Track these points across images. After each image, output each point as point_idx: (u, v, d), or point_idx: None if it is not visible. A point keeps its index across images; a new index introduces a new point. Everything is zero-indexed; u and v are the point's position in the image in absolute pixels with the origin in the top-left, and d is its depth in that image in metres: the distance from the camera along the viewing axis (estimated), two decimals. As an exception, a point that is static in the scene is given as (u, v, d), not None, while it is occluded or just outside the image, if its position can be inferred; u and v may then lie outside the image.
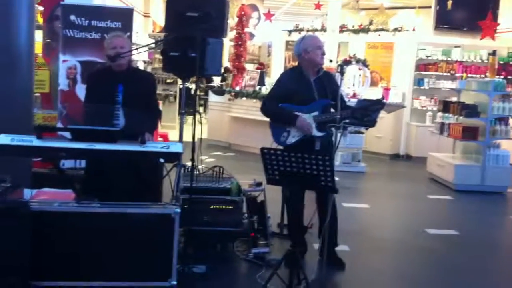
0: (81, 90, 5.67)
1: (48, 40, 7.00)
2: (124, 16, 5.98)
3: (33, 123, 5.07)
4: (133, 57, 5.52)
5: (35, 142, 3.31)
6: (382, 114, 4.46)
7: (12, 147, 3.26)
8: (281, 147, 4.13)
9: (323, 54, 4.38)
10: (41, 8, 7.39)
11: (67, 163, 5.19)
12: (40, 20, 7.79)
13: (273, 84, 4.69)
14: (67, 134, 3.65)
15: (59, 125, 5.76)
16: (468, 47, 10.48)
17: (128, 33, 5.53)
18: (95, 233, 3.38)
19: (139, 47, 5.20)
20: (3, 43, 4.49)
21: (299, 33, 11.86)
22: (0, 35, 4.47)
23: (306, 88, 4.36)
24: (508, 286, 4.45)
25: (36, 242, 3.22)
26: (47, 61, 6.68)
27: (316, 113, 4.27)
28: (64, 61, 5.85)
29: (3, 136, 3.26)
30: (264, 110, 4.50)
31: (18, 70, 4.62)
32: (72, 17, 5.81)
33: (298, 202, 4.40)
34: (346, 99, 5.45)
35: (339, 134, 4.01)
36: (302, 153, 3.39)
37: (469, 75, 10.16)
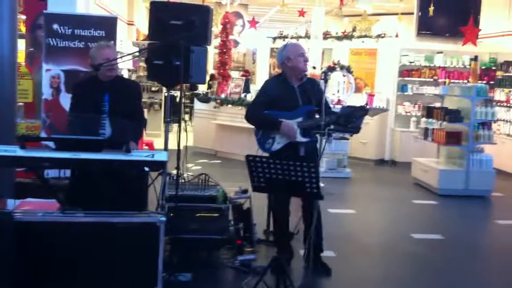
0: (65, 99, 5.63)
1: (31, 49, 6.97)
2: (108, 25, 5.97)
3: (16, 133, 5.03)
4: (118, 66, 5.51)
5: (18, 152, 3.28)
6: (367, 119, 4.50)
7: (-5, 157, 3.23)
8: (266, 154, 4.14)
9: (306, 61, 4.42)
10: (23, 16, 7.37)
11: (51, 173, 5.15)
12: (22, 29, 7.75)
13: (258, 91, 4.71)
14: (51, 144, 3.63)
15: (43, 134, 5.72)
16: (450, 52, 10.60)
17: (112, 42, 5.51)
18: (79, 243, 3.36)
19: (124, 56, 5.20)
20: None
21: (284, 40, 11.90)
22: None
23: (290, 94, 4.38)
24: (492, 289, 4.50)
25: (20, 253, 3.18)
26: (30, 70, 6.65)
27: (300, 119, 4.30)
28: (47, 70, 5.82)
29: (-15, 146, 3.23)
30: (249, 117, 4.51)
31: (1, 79, 4.59)
32: (55, 26, 5.78)
33: (284, 208, 4.41)
34: (331, 105, 5.49)
35: (324, 141, 4.03)
36: (287, 160, 3.40)
37: (452, 80, 10.28)
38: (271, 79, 4.98)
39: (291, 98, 4.36)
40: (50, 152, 3.44)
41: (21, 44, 6.48)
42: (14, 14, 4.80)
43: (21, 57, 6.51)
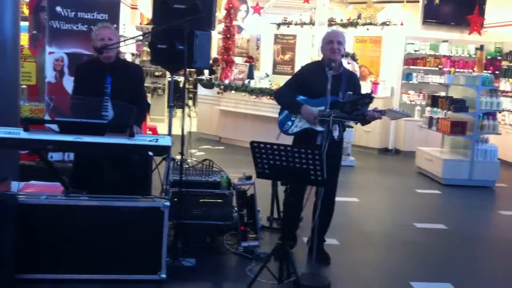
0: (68, 82, 5.61)
1: (34, 32, 6.91)
2: (111, 8, 5.93)
3: (20, 116, 5.00)
4: (121, 50, 5.46)
5: (22, 134, 3.26)
6: (385, 119, 4.47)
7: (-1, 139, 3.21)
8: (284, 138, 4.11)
9: (334, 49, 4.26)
10: (27, -1, 7.30)
11: (55, 156, 5.13)
12: (26, 11, 7.69)
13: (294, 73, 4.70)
14: (55, 127, 3.60)
15: (47, 117, 5.69)
16: (455, 41, 10.52)
17: (115, 25, 5.47)
18: (83, 226, 3.35)
19: (127, 39, 5.15)
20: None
21: (288, 26, 11.83)
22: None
23: (321, 82, 4.30)
24: (495, 279, 4.48)
25: (23, 235, 3.18)
26: (33, 53, 6.60)
27: (322, 108, 4.23)
28: (50, 53, 5.78)
29: (-11, 128, 3.21)
30: (277, 96, 4.58)
31: (4, 61, 4.56)
32: (58, 9, 5.74)
33: (298, 199, 4.35)
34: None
35: (330, 128, 4.00)
36: (306, 148, 3.36)
37: (457, 69, 10.20)
38: (308, 64, 4.95)
39: (321, 86, 4.28)
40: (53, 135, 3.42)
41: (24, 27, 6.44)
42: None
43: (24, 40, 6.47)
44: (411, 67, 10.41)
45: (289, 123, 4.38)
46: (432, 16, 10.55)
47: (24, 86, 6.06)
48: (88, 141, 3.34)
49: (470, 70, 10.16)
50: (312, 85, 4.30)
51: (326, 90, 4.22)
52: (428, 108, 8.80)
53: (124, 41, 4.52)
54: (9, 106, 4.62)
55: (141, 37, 6.70)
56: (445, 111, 8.01)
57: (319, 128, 4.24)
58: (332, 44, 4.29)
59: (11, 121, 4.37)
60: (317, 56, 9.78)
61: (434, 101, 8.30)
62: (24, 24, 5.97)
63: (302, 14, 13.42)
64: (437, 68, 10.40)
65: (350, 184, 7.60)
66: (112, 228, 3.39)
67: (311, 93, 4.31)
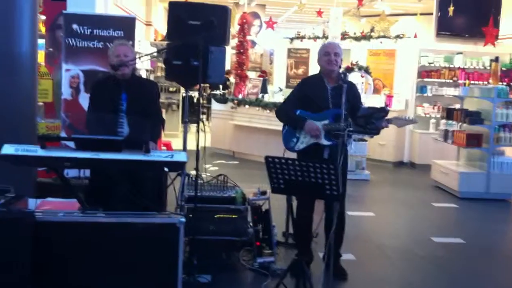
0: (84, 99, 5.66)
1: (50, 49, 7.01)
2: (126, 25, 5.99)
3: (37, 133, 5.05)
4: (136, 66, 5.51)
5: (39, 152, 3.28)
6: (392, 127, 4.44)
7: (17, 157, 3.23)
8: (289, 154, 4.09)
9: (331, 60, 4.30)
10: (43, 17, 7.42)
11: (71, 173, 5.17)
12: (42, 29, 7.81)
13: (293, 88, 4.70)
14: (71, 144, 3.63)
15: (63, 134, 5.74)
16: (470, 53, 10.47)
17: (131, 42, 5.53)
18: (99, 243, 3.35)
19: (142, 56, 5.20)
20: (6, 52, 4.50)
21: (301, 40, 11.87)
22: (2, 44, 4.46)
23: (322, 95, 4.32)
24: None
25: (40, 252, 3.19)
26: (49, 70, 6.69)
27: (326, 121, 4.24)
28: (67, 70, 5.85)
29: (7, 146, 3.24)
30: (278, 111, 4.55)
31: (21, 79, 4.62)
32: (75, 26, 5.81)
33: (307, 211, 4.36)
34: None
35: (347, 143, 3.99)
36: (307, 161, 3.36)
37: (472, 81, 10.14)
38: (307, 78, 4.95)
39: (322, 99, 4.30)
40: (70, 152, 3.44)
41: (41, 44, 6.53)
42: (35, 15, 4.82)
43: (40, 57, 6.56)
44: (425, 79, 10.37)
45: (294, 139, 4.35)
46: (446, 28, 10.52)
47: (40, 103, 6.13)
48: (105, 157, 3.35)
49: (485, 82, 10.09)
50: (312, 99, 4.31)
51: (327, 102, 4.23)
52: (443, 121, 8.74)
53: (139, 57, 4.55)
54: (27, 124, 4.67)
55: (156, 53, 6.76)
56: (460, 123, 7.95)
57: (326, 142, 4.23)
58: (329, 55, 4.32)
59: (29, 139, 4.41)
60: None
61: (449, 113, 8.24)
62: (40, 41, 6.05)
63: (315, 28, 13.49)
64: (451, 81, 10.34)
65: (365, 198, 7.56)
66: (128, 244, 3.38)
67: (312, 106, 4.30)
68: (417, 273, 4.73)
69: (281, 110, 4.55)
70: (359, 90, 9.66)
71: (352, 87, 4.43)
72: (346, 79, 4.14)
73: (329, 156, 4.25)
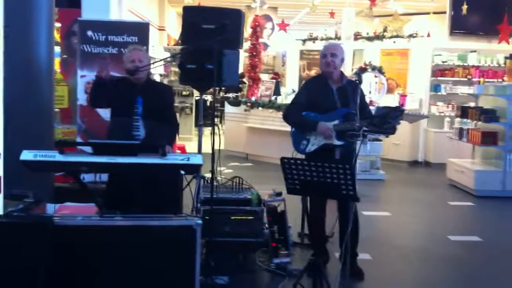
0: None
1: (65, 56, 7.10)
2: (140, 30, 6.04)
3: (54, 138, 5.12)
4: (151, 70, 5.57)
5: (57, 157, 3.33)
6: (403, 123, 4.43)
7: (35, 162, 3.29)
8: (301, 156, 4.12)
9: (328, 62, 4.31)
10: (58, 24, 7.50)
11: (87, 177, 5.23)
12: (57, 36, 7.90)
13: (297, 92, 4.70)
14: (87, 148, 3.68)
15: (78, 139, 5.81)
16: (484, 51, 10.40)
17: (145, 47, 5.58)
18: (117, 246, 3.39)
19: (157, 61, 5.25)
20: (24, 59, 4.56)
21: (313, 42, 11.88)
22: (21, 52, 4.53)
23: (328, 96, 4.34)
24: (534, 292, 4.38)
25: (59, 256, 3.24)
26: (65, 77, 6.78)
27: (336, 122, 4.26)
28: (82, 76, 5.92)
29: (26, 152, 3.29)
30: (285, 116, 4.54)
31: (39, 87, 4.69)
32: (89, 33, 5.89)
33: (319, 211, 4.39)
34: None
35: (358, 143, 3.99)
36: (321, 162, 3.37)
37: (486, 79, 10.08)
38: (310, 80, 4.95)
39: (328, 100, 4.32)
40: (88, 156, 3.49)
41: (56, 51, 6.61)
42: (51, 23, 4.89)
43: (56, 64, 6.64)
44: (439, 78, 10.32)
45: (304, 142, 4.36)
46: (459, 27, 10.46)
47: (57, 110, 6.21)
48: (122, 161, 3.40)
49: (500, 80, 10.01)
50: (318, 101, 4.32)
51: (334, 103, 4.25)
52: (458, 119, 8.70)
53: (154, 62, 4.60)
54: (44, 130, 4.74)
55: (170, 58, 6.81)
56: (475, 121, 7.91)
57: (338, 142, 4.24)
58: (325, 58, 4.33)
59: (46, 144, 4.48)
60: (343, 70, 9.81)
61: (464, 112, 8.20)
62: (56, 49, 6.13)
63: (327, 29, 13.48)
64: (465, 79, 10.28)
65: (381, 198, 7.55)
66: (146, 247, 3.42)
67: (317, 108, 4.31)
68: (434, 272, 4.71)
69: (289, 114, 4.51)
70: (373, 90, 9.75)
71: (357, 86, 4.43)
72: (360, 79, 4.16)
73: (341, 156, 4.27)
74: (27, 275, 3.12)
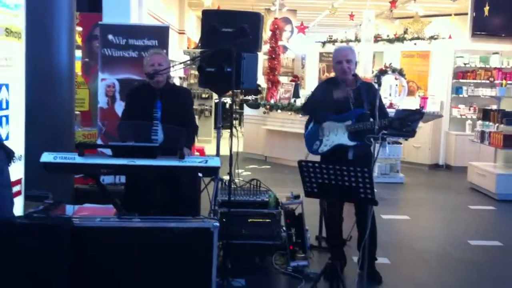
0: (119, 108, 5.78)
1: (86, 59, 7.20)
2: (160, 34, 6.09)
3: (74, 141, 5.19)
4: (170, 74, 5.61)
5: (77, 159, 3.38)
6: (420, 125, 4.40)
7: (56, 164, 3.33)
8: (316, 158, 4.11)
9: (343, 69, 4.28)
10: (79, 28, 7.61)
11: (106, 179, 5.29)
12: (78, 40, 8.02)
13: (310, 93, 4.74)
14: (107, 151, 3.73)
15: (99, 142, 5.88)
16: (507, 53, 10.25)
17: (165, 50, 5.63)
18: (135, 247, 3.42)
19: (176, 64, 5.30)
20: (46, 63, 4.64)
21: (333, 44, 11.84)
22: (42, 56, 4.60)
23: (341, 99, 4.34)
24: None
25: (78, 257, 3.28)
26: (86, 80, 6.87)
27: (349, 122, 4.25)
28: (103, 79, 5.99)
29: (46, 154, 3.34)
30: (304, 107, 4.79)
31: (60, 90, 4.76)
32: (110, 36, 5.95)
33: (337, 214, 4.37)
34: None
35: (377, 145, 3.97)
36: (338, 164, 3.36)
37: (509, 82, 9.93)
38: (323, 82, 4.95)
39: (342, 102, 4.32)
40: (107, 158, 3.53)
41: (77, 55, 6.70)
42: (72, 27, 4.96)
43: (77, 67, 6.74)
44: (460, 80, 10.20)
45: (318, 142, 4.36)
46: (481, 28, 10.32)
47: (77, 112, 6.30)
48: (141, 164, 3.43)
49: (523, 82, 9.87)
50: (333, 102, 4.30)
51: (349, 104, 4.24)
52: (479, 122, 8.59)
53: (173, 66, 4.64)
54: (65, 132, 4.80)
55: (189, 61, 6.86)
56: (497, 124, 7.80)
57: (350, 143, 4.23)
58: (341, 64, 4.29)
59: (67, 146, 4.54)
60: (363, 72, 9.77)
61: (485, 114, 8.10)
62: (77, 52, 6.22)
63: (347, 31, 13.43)
64: (487, 81, 10.15)
65: (400, 202, 7.48)
66: (163, 249, 3.44)
67: (332, 109, 4.31)
68: (454, 276, 4.66)
69: (308, 104, 4.68)
70: (393, 93, 9.67)
71: (371, 87, 4.41)
72: (379, 82, 4.15)
73: (354, 157, 4.25)
74: (46, 276, 3.17)
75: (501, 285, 4.46)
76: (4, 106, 3.81)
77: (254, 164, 9.74)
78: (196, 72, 5.43)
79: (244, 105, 11.10)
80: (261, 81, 12.51)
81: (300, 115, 9.07)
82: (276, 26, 11.53)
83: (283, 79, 12.74)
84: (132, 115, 4.28)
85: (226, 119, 8.85)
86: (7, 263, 3.12)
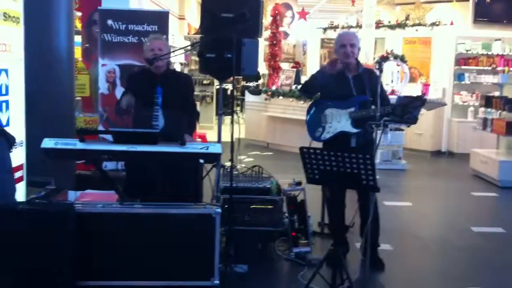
0: (120, 93, 5.74)
1: (87, 45, 7.14)
2: (160, 19, 6.04)
3: (75, 127, 5.17)
4: (171, 60, 5.56)
5: (78, 145, 3.36)
6: (422, 111, 4.36)
7: (57, 150, 3.32)
8: (318, 145, 4.08)
9: (347, 52, 4.24)
10: (79, 13, 7.55)
11: (109, 165, 5.27)
12: (78, 25, 7.96)
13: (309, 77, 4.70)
14: (108, 137, 3.70)
15: (100, 128, 5.85)
16: (509, 40, 10.17)
17: (165, 36, 5.57)
18: (138, 234, 3.42)
19: (176, 50, 5.25)
20: (44, 48, 4.60)
21: (334, 30, 11.76)
22: (41, 41, 4.57)
23: (343, 84, 4.30)
24: (559, 285, 4.29)
25: (81, 243, 3.27)
26: (86, 66, 6.82)
27: (352, 109, 4.22)
28: (103, 65, 5.94)
29: (47, 140, 3.32)
30: (302, 87, 4.74)
31: (59, 74, 4.73)
32: (110, 22, 5.89)
33: (339, 201, 4.36)
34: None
35: (379, 132, 3.94)
36: (340, 151, 3.33)
37: (511, 68, 9.87)
38: (326, 67, 4.90)
39: (344, 88, 4.28)
40: (108, 144, 3.51)
41: (77, 40, 6.65)
42: (71, 12, 4.91)
43: (77, 53, 6.69)
44: (462, 67, 10.14)
45: (320, 129, 4.33)
46: (483, 15, 10.26)
47: (78, 98, 6.26)
48: (142, 150, 3.41)
49: (525, 69, 9.81)
50: (334, 88, 4.27)
51: (351, 90, 4.20)
52: (482, 109, 8.54)
53: (173, 51, 4.59)
54: (66, 118, 4.78)
55: (190, 47, 6.81)
56: (499, 111, 7.76)
57: (353, 130, 4.20)
58: (345, 48, 4.25)
59: (68, 132, 4.52)
60: (364, 58, 9.70)
61: (488, 101, 8.06)
62: (77, 38, 6.17)
63: (349, 17, 13.34)
64: (490, 68, 10.09)
65: (403, 188, 7.47)
66: (166, 235, 3.44)
67: (333, 96, 4.27)
68: (456, 263, 4.65)
69: (305, 85, 4.67)
70: (395, 79, 9.62)
71: (372, 73, 4.37)
72: (381, 68, 4.11)
73: (357, 144, 4.23)
74: (49, 261, 3.16)
75: (504, 271, 4.45)
76: (3, 91, 3.78)
77: (256, 150, 9.72)
78: (197, 58, 5.37)
79: (246, 91, 11.06)
80: (262, 67, 12.45)
81: (302, 102, 9.05)
82: (276, 12, 11.44)
83: (284, 66, 12.69)
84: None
85: (227, 105, 8.80)
86: (9, 248, 3.12)
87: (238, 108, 13.56)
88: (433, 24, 10.39)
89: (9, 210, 3.17)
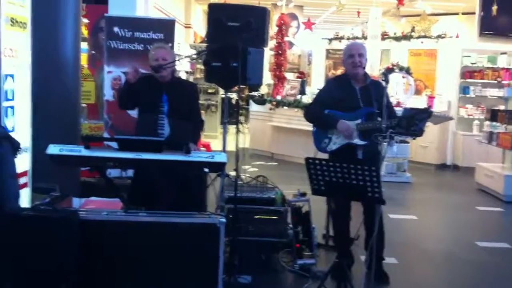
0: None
1: (93, 52, 7.16)
2: (166, 28, 6.04)
3: (81, 133, 5.16)
4: (176, 68, 5.55)
5: (83, 152, 3.33)
6: (428, 124, 4.34)
7: (61, 157, 3.29)
8: (324, 155, 4.05)
9: (355, 63, 4.23)
10: (85, 20, 7.57)
11: (113, 172, 5.25)
12: (85, 32, 7.98)
13: (318, 91, 4.64)
14: (113, 144, 3.68)
15: (105, 135, 5.84)
16: (515, 53, 10.18)
17: (170, 44, 5.57)
18: (141, 242, 3.39)
19: (181, 58, 5.24)
20: (51, 55, 4.59)
21: (340, 41, 11.77)
22: (47, 47, 4.56)
23: (350, 96, 4.28)
24: None
25: (85, 250, 3.24)
26: (92, 73, 6.83)
27: (359, 121, 4.20)
28: (108, 72, 5.94)
29: (52, 146, 3.30)
30: (306, 113, 4.50)
31: (66, 82, 4.71)
32: (116, 29, 5.90)
33: (344, 213, 4.31)
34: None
35: (385, 144, 3.91)
36: (346, 163, 3.31)
37: (517, 82, 9.86)
38: (332, 79, 4.89)
39: (351, 100, 4.26)
40: (113, 152, 3.48)
41: (84, 47, 6.66)
42: (78, 18, 4.91)
43: (83, 60, 6.70)
44: (468, 80, 10.12)
45: (326, 140, 4.30)
46: (489, 28, 10.23)
47: (84, 105, 6.26)
48: (147, 157, 3.39)
49: (531, 83, 9.78)
50: (340, 100, 4.25)
51: (358, 102, 4.17)
52: (487, 122, 8.52)
53: (179, 59, 4.58)
54: (71, 125, 4.76)
55: (195, 56, 6.81)
56: (505, 125, 7.73)
57: (359, 142, 4.18)
58: (353, 58, 4.23)
59: (72, 139, 4.50)
60: (370, 70, 9.69)
61: (493, 115, 8.03)
62: (83, 44, 6.18)
63: (354, 28, 13.34)
64: (495, 81, 10.06)
65: (407, 201, 7.42)
66: (170, 244, 3.40)
67: (340, 107, 4.25)
68: (461, 278, 4.61)
69: (310, 111, 4.49)
70: (400, 91, 9.60)
71: (379, 85, 4.35)
72: (386, 80, 4.08)
73: (364, 156, 4.20)
74: (53, 268, 3.13)
75: (509, 286, 4.40)
76: (10, 97, 3.77)
77: (260, 160, 9.69)
78: (203, 67, 5.37)
79: (250, 101, 11.05)
80: (267, 77, 12.45)
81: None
82: (282, 22, 11.46)
83: (289, 76, 12.69)
84: (139, 108, 4.24)
85: (232, 114, 8.80)
86: (12, 254, 3.09)
87: (243, 118, 13.55)
88: (439, 36, 10.39)
89: (13, 216, 3.14)
